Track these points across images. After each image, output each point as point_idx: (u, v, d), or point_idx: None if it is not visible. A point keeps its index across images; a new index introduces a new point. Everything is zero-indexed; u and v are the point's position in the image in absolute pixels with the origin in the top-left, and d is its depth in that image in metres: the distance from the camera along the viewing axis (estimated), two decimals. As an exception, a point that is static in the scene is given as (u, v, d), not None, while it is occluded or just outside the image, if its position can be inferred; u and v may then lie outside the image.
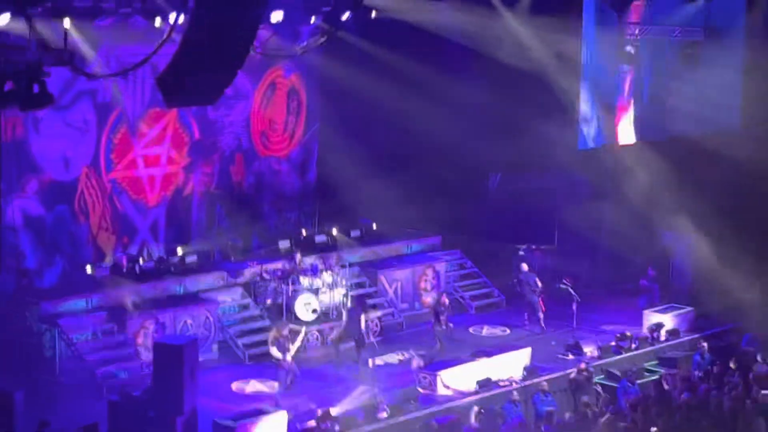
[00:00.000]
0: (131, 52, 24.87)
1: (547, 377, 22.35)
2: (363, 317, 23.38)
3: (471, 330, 25.83)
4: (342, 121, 28.34)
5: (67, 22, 22.10)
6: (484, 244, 29.33)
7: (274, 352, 21.98)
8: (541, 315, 25.56)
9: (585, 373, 21.91)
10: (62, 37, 20.40)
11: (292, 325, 22.97)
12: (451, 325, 24.19)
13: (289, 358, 21.96)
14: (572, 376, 22.02)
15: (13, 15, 20.35)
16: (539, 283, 25.95)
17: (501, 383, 22.09)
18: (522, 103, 27.29)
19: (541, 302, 25.69)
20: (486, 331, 25.84)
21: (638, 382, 22.18)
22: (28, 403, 19.49)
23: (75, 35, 23.13)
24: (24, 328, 21.63)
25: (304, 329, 23.13)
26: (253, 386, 22.22)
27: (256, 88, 28.27)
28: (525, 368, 22.71)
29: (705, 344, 23.64)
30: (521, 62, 26.82)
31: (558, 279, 26.36)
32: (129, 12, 24.44)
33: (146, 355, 22.26)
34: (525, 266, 26.40)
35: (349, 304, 24.47)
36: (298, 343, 22.42)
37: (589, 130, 28.92)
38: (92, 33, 24.58)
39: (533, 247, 29.40)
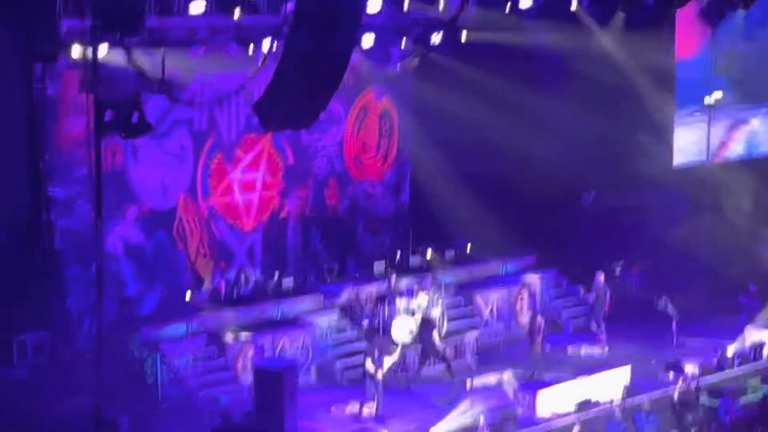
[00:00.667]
0: (225, 80, 25.30)
1: (648, 396, 22.08)
2: (435, 333, 23.33)
3: (569, 349, 25.61)
4: (434, 143, 28.40)
5: (163, 52, 22.58)
6: (579, 263, 29.13)
7: (369, 365, 22.04)
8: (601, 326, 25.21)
9: (689, 392, 21.61)
10: (159, 66, 20.81)
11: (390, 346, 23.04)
12: (547, 345, 24.01)
13: (380, 375, 22.00)
14: (676, 394, 21.71)
15: (111, 46, 20.82)
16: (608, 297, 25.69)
17: (601, 403, 21.88)
18: (616, 120, 27.18)
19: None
20: (584, 350, 25.61)
21: (741, 400, 21.82)
22: (133, 428, 19.81)
23: (171, 64, 23.58)
24: (126, 354, 21.95)
25: (399, 348, 23.17)
26: (353, 409, 22.25)
27: (349, 112, 28.47)
28: (625, 387, 22.46)
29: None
30: (615, 79, 26.69)
31: (656, 297, 26.07)
32: (223, 40, 24.87)
33: (246, 379, 22.46)
34: (602, 278, 26.07)
35: (417, 327, 24.38)
36: (391, 361, 22.46)
37: (684, 146, 28.63)
38: (187, 62, 25.04)
39: (630, 264, 29.12)
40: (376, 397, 22.02)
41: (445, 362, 23.21)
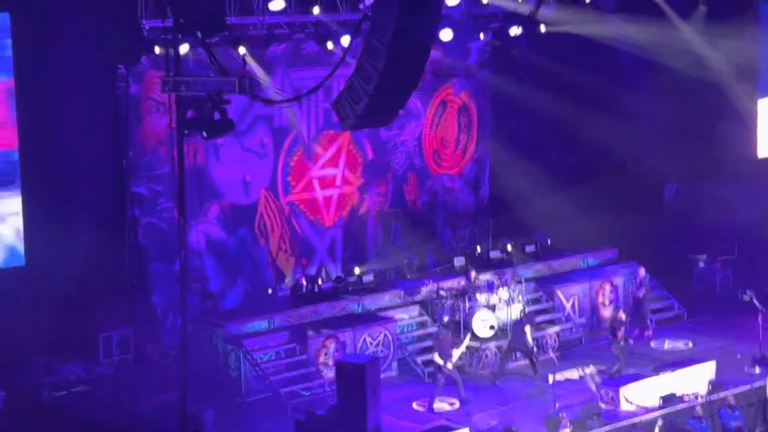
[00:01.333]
0: (305, 76, 25.47)
1: (733, 391, 21.80)
2: (528, 329, 23.22)
3: (652, 344, 25.35)
4: (513, 136, 28.32)
5: (243, 50, 22.79)
6: (662, 256, 28.84)
7: (437, 358, 22.04)
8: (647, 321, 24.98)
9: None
10: (239, 64, 20.99)
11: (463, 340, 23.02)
12: (630, 340, 23.80)
13: (450, 366, 21.98)
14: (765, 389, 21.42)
15: (192, 45, 21.06)
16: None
17: (685, 398, 21.65)
18: (698, 112, 26.87)
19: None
20: (668, 345, 25.36)
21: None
22: (217, 422, 20.01)
23: (251, 62, 23.79)
24: (210, 349, 22.19)
25: (467, 338, 23.12)
26: (435, 404, 22.26)
27: (428, 107, 28.48)
28: (710, 382, 22.20)
29: None
30: (697, 71, 26.37)
31: (741, 290, 25.70)
32: (302, 37, 25.03)
33: (328, 374, 22.59)
34: (642, 272, 25.66)
35: (511, 319, 24.31)
36: (459, 351, 22.41)
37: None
38: (267, 59, 25.26)
39: (714, 257, 28.78)
40: (458, 387, 21.99)
41: (531, 359, 23.11)
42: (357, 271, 26.12)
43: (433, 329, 24.85)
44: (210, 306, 24.21)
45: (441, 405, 22.06)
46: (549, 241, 28.32)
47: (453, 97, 29.00)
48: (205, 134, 19.35)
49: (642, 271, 26.11)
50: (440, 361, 21.97)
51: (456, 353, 22.21)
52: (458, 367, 22.65)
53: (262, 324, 23.64)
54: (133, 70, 23.80)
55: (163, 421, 19.99)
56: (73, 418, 20.62)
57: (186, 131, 19.48)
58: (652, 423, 20.65)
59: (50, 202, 23.36)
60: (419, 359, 24.10)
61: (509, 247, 27.66)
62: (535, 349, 23.34)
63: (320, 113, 26.57)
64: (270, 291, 24.95)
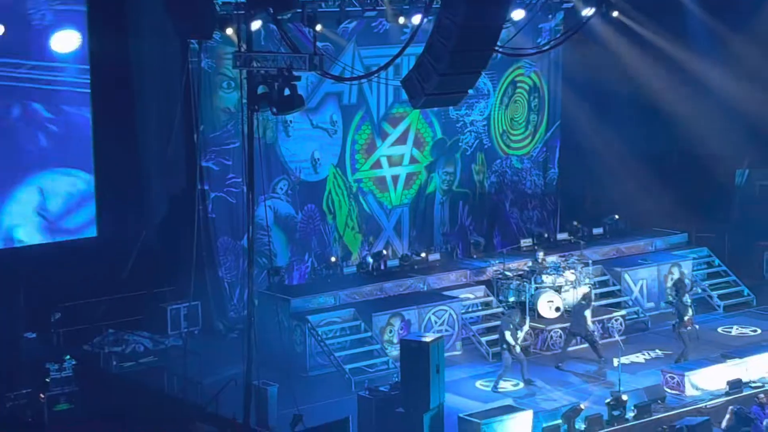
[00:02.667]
0: (375, 54, 25.50)
1: (801, 379, 21.56)
2: (588, 313, 23.06)
3: (719, 330, 25.12)
4: (584, 117, 28.11)
5: (314, 27, 22.82)
6: (732, 242, 28.53)
7: (508, 337, 21.97)
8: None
9: None
10: (310, 41, 21.04)
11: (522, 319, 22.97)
12: (696, 325, 23.56)
13: (518, 346, 21.92)
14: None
15: (264, 21, 21.14)
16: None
17: (752, 385, 21.42)
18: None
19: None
20: (736, 331, 25.11)
21: None
22: (282, 397, 20.18)
23: (322, 39, 23.85)
24: (276, 325, 22.36)
25: (528, 320, 23.05)
26: (498, 383, 22.26)
27: (497, 87, 28.38)
28: (777, 370, 21.96)
29: None
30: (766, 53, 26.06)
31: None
32: (373, 15, 25.04)
33: (393, 352, 22.67)
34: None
35: (573, 302, 24.18)
36: (524, 332, 22.33)
37: None
38: (338, 36, 25.32)
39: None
40: (522, 368, 21.97)
41: (590, 341, 22.99)
42: (424, 249, 26.18)
43: (498, 309, 24.83)
44: (276, 281, 24.39)
45: (504, 385, 22.06)
46: (618, 224, 28.17)
47: (523, 78, 28.85)
48: (275, 110, 19.48)
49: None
50: (512, 341, 21.93)
51: (521, 335, 22.18)
52: (523, 348, 22.62)
53: (328, 300, 23.79)
54: (205, 45, 23.99)
55: (229, 393, 20.19)
56: (140, 389, 20.91)
57: (256, 107, 19.62)
58: (718, 409, 20.45)
59: (122, 175, 23.69)
60: (483, 339, 24.09)
61: (577, 229, 27.55)
62: (595, 332, 23.19)
63: (389, 91, 26.58)
64: (333, 259, 25.06)
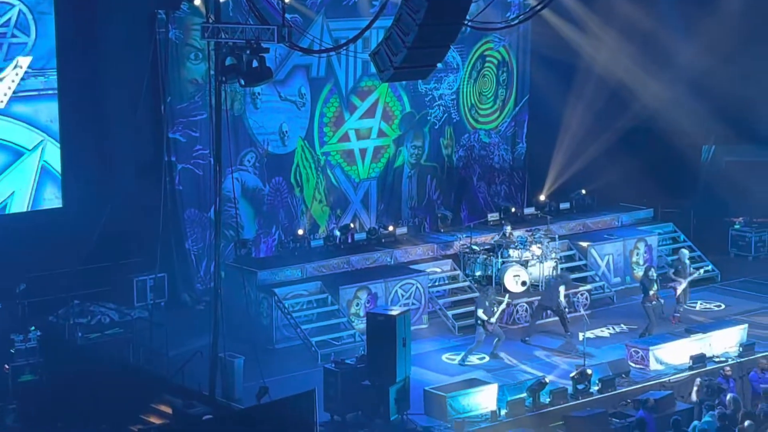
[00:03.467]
0: (343, 26, 25.43)
1: (764, 354, 21.73)
2: (562, 289, 23.18)
3: (684, 306, 25.27)
4: (552, 92, 28.14)
5: (283, -1, 22.67)
6: (697, 217, 28.72)
7: (481, 314, 22.07)
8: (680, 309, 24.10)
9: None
10: (278, 13, 20.95)
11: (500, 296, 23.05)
12: (662, 300, 23.73)
13: (494, 320, 22.02)
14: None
15: (232, -7, 21.02)
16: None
17: (716, 359, 21.62)
18: (739, 72, 26.62)
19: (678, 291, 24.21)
20: (700, 306, 25.30)
21: None
22: (248, 369, 20.18)
23: (290, 11, 23.74)
24: (243, 297, 22.35)
25: (507, 297, 23.16)
26: (466, 357, 22.32)
27: (466, 61, 28.35)
28: (741, 345, 22.14)
29: None
30: (740, 29, 26.14)
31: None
32: (343, -13, 24.95)
33: (359, 325, 22.70)
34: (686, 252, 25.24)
35: (544, 277, 24.29)
36: (501, 308, 22.45)
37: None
38: (306, 8, 25.23)
39: (749, 220, 28.62)
40: (496, 342, 22.06)
41: (561, 317, 23.11)
42: (391, 223, 26.22)
43: (465, 283, 24.90)
44: (243, 253, 24.34)
45: (471, 359, 22.14)
46: (584, 199, 28.29)
47: (492, 52, 28.84)
48: (242, 82, 19.43)
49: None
50: (484, 317, 22.01)
51: (498, 310, 22.23)
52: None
53: (294, 273, 23.79)
54: (172, 15, 23.85)
55: (195, 366, 20.17)
56: (106, 360, 20.84)
57: (224, 78, 19.55)
58: (681, 383, 20.63)
59: (88, 146, 23.54)
60: (450, 312, 24.16)
61: (544, 204, 27.65)
62: (566, 307, 23.32)
63: (358, 64, 26.50)
64: (300, 232, 25.04)
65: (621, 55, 27.15)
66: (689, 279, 23.94)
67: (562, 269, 24.39)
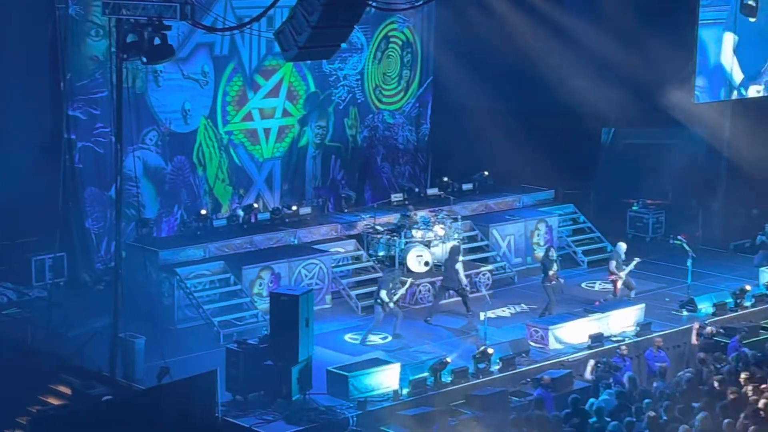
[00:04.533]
0: (247, 5, 25.24)
1: (660, 333, 22.19)
2: (460, 267, 23.37)
3: (583, 285, 25.69)
4: (456, 74, 28.28)
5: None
6: (597, 199, 29.17)
7: (383, 295, 22.18)
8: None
9: (703, 331, 21.68)
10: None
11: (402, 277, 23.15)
12: (561, 280, 24.07)
13: (391, 303, 22.13)
14: (694, 335, 21.73)
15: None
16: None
17: (613, 339, 22.01)
18: (639, 56, 27.03)
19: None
20: (599, 286, 25.71)
21: (753, 340, 21.89)
22: (149, 350, 20.04)
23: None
24: (144, 277, 22.17)
25: (410, 279, 23.29)
26: (367, 337, 22.43)
27: (371, 42, 28.36)
28: (638, 324, 22.57)
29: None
30: (639, 15, 26.52)
31: (672, 235, 26.12)
32: (247, -35, 24.76)
33: (262, 305, 22.65)
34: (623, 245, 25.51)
35: (442, 257, 24.45)
36: (403, 290, 22.59)
37: (706, 84, 28.45)
38: (210, -14, 24.98)
39: (647, 201, 29.13)
40: (395, 322, 22.19)
41: (463, 296, 23.31)
42: (294, 203, 26.18)
43: (368, 263, 24.99)
44: (145, 233, 24.10)
45: (373, 339, 22.25)
46: (487, 181, 28.54)
47: (397, 33, 28.88)
48: (144, 59, 19.24)
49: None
50: (386, 299, 22.11)
51: (398, 294, 22.32)
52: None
53: (197, 252, 23.65)
54: (73, -9, 23.48)
55: (95, 346, 19.96)
56: (3, 340, 20.52)
57: (125, 56, 19.33)
58: (581, 362, 20.97)
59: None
60: (353, 293, 24.22)
61: (447, 185, 27.84)
62: (468, 287, 23.52)
63: (262, 43, 26.35)
64: (203, 212, 24.86)
65: (524, 38, 27.37)
66: (626, 271, 24.15)
67: (453, 246, 24.34)
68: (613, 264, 24.30)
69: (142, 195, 24.72)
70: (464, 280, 23.39)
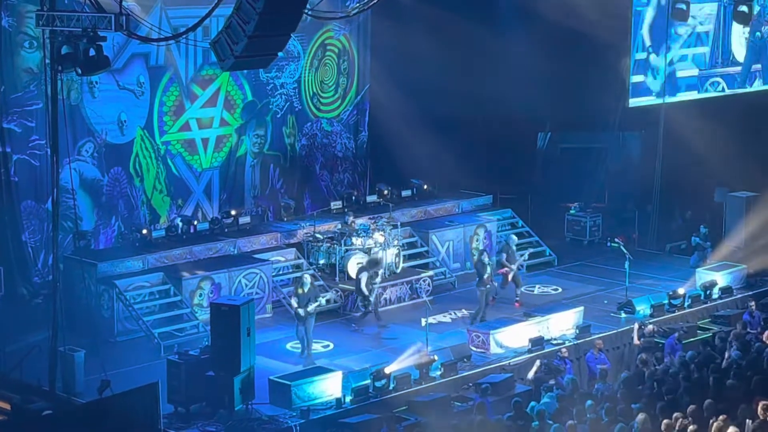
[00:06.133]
0: (183, 14, 25.16)
1: (600, 335, 22.40)
2: (363, 277, 23.45)
3: (523, 289, 25.84)
4: (393, 82, 28.39)
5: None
6: (535, 203, 29.40)
7: (293, 303, 22.07)
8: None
9: (642, 333, 21.93)
10: (116, 1, 20.59)
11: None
12: (495, 283, 24.20)
13: (301, 309, 21.83)
14: (635, 336, 21.98)
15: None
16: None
17: (553, 342, 22.18)
18: (572, 60, 27.27)
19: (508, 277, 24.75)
20: (538, 290, 25.92)
21: (691, 340, 22.19)
22: (89, 363, 19.88)
23: (128, -1, 23.36)
24: (83, 290, 21.97)
25: (327, 294, 23.29)
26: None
27: (307, 50, 28.37)
28: (577, 327, 22.77)
29: (753, 303, 23.54)
30: (571, 20, 26.77)
31: (609, 237, 26.40)
32: (181, -25, 24.67)
33: (203, 315, 22.56)
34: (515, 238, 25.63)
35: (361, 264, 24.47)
36: (315, 305, 22.28)
37: (641, 87, 28.82)
38: (145, -4, 24.86)
39: (584, 205, 29.40)
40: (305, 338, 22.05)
41: (366, 306, 23.39)
42: (233, 213, 26.10)
43: (309, 271, 24.95)
44: (83, 245, 23.91)
45: (315, 347, 22.23)
46: (425, 187, 28.66)
47: (333, 41, 28.92)
48: (79, 71, 19.10)
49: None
50: (295, 305, 21.95)
51: (313, 305, 22.00)
52: (335, 310, 22.87)
53: (136, 264, 23.51)
54: (5, 2, 23.22)
55: (34, 360, 19.77)
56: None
57: (60, 67, 19.18)
58: (521, 366, 21.11)
59: None
60: (294, 301, 24.15)
61: (386, 192, 27.91)
62: (369, 294, 23.50)
63: (198, 53, 26.26)
64: (145, 231, 24.70)
65: (458, 44, 27.54)
66: (517, 263, 24.45)
67: (369, 257, 24.42)
68: (504, 257, 24.58)
69: (79, 207, 24.48)
70: (364, 290, 23.40)
